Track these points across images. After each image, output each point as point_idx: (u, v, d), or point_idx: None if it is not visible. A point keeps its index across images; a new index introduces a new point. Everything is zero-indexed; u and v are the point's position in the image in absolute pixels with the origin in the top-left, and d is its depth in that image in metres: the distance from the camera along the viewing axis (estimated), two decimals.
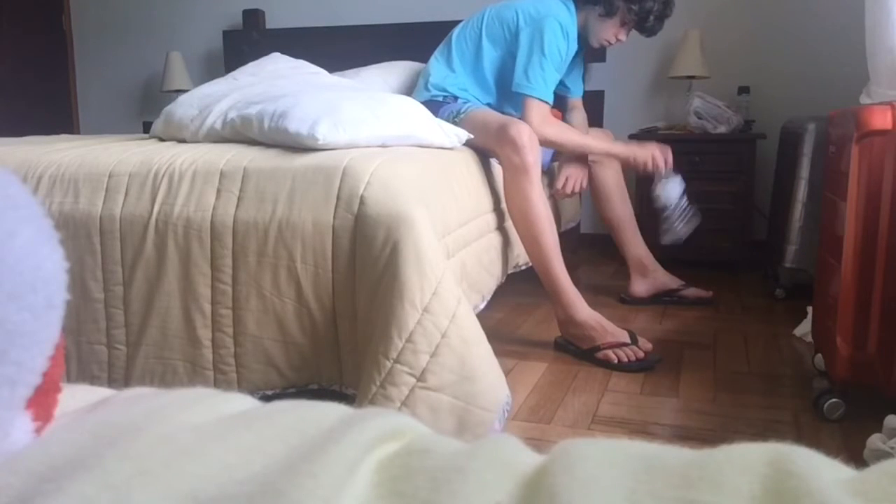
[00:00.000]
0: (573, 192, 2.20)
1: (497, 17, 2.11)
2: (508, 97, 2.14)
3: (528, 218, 1.82)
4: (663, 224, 2.19)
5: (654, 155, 2.13)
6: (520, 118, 1.96)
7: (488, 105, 2.12)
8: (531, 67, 1.99)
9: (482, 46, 2.12)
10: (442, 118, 1.92)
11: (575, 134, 2.10)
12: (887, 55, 1.74)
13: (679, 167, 2.81)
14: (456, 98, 2.11)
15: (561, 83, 2.30)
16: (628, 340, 1.80)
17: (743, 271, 2.84)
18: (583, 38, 2.16)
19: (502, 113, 2.06)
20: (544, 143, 2.00)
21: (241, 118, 1.61)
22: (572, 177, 2.18)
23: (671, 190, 2.15)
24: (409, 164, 1.42)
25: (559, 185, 2.18)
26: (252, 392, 1.36)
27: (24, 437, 0.40)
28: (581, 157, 2.21)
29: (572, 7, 2.08)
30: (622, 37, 2.15)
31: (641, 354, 1.78)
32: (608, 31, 2.12)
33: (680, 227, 2.16)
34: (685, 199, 2.18)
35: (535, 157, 1.81)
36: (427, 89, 2.15)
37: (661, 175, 2.15)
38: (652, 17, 2.09)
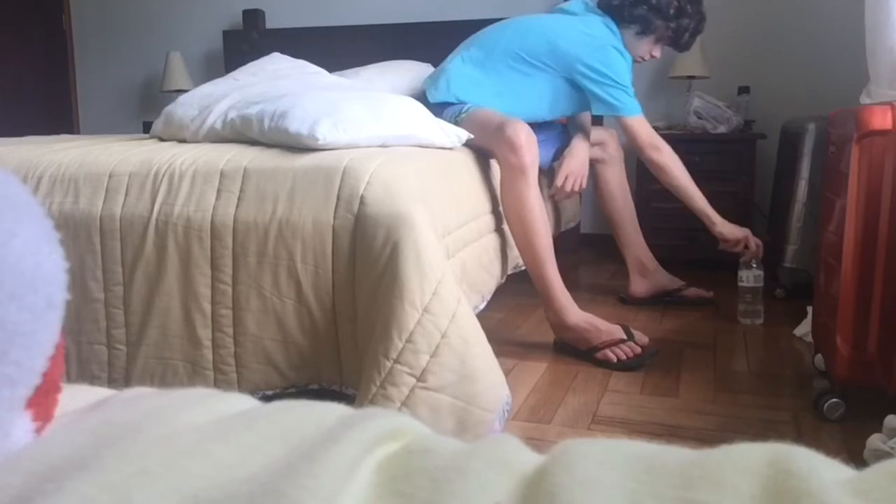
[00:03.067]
0: (572, 192, 2.16)
1: (546, 45, 2.03)
2: (552, 115, 2.17)
3: (523, 219, 1.82)
4: (744, 306, 2.18)
5: (747, 241, 2.13)
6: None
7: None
8: (616, 92, 2.01)
9: (530, 70, 2.05)
10: (445, 118, 1.92)
11: (684, 172, 2.10)
12: (887, 55, 1.73)
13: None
14: None
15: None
16: (623, 336, 1.80)
17: None
18: None
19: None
20: (656, 166, 2.08)
21: (242, 118, 1.61)
22: (572, 175, 2.13)
23: (757, 278, 2.14)
24: (409, 164, 1.42)
25: (559, 182, 2.13)
26: (252, 392, 1.36)
27: (24, 437, 0.40)
28: (580, 154, 2.19)
29: (615, 27, 2.08)
30: (656, 53, 2.17)
31: (639, 350, 1.78)
32: (643, 48, 2.14)
33: (752, 310, 2.17)
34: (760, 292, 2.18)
35: (532, 158, 1.80)
36: (448, 91, 2.07)
37: (747, 261, 2.14)
38: (687, 35, 2.12)
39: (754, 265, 2.14)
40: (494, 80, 2.08)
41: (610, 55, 2.00)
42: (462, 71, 2.10)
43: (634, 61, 2.16)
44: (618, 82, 2.00)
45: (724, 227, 2.13)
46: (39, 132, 2.68)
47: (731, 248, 2.15)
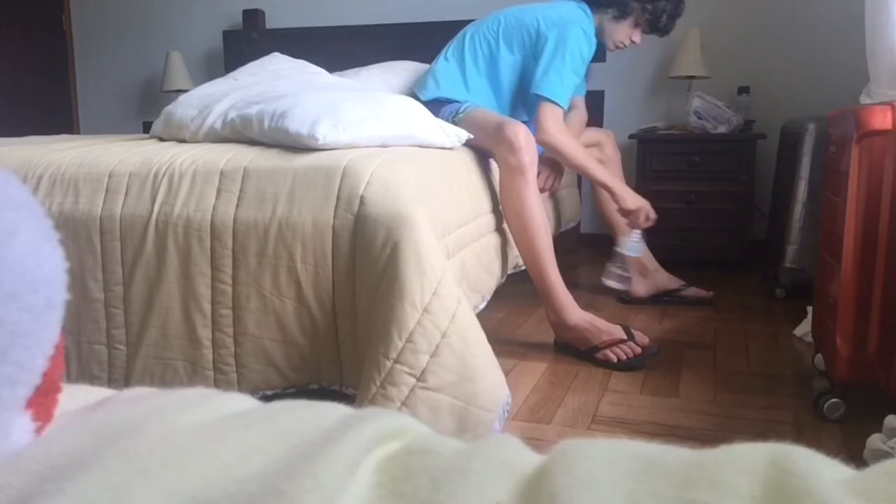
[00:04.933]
0: (545, 188, 2.18)
1: (516, 22, 2.09)
2: (524, 103, 2.14)
3: (523, 219, 1.82)
4: (611, 267, 2.20)
5: (645, 212, 2.09)
6: (528, 122, 1.97)
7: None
8: (551, 71, 1.98)
9: (499, 50, 2.10)
10: (442, 118, 1.92)
11: (581, 151, 2.07)
12: (887, 55, 1.74)
13: (679, 167, 2.83)
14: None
15: None
16: (624, 336, 1.80)
17: (743, 271, 2.84)
18: (597, 41, 2.17)
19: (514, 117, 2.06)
20: (549, 147, 2.00)
21: (241, 118, 1.61)
22: (544, 172, 2.16)
23: (634, 249, 2.16)
24: (409, 164, 1.42)
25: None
26: (252, 392, 1.36)
27: (24, 437, 0.40)
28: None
29: (589, 11, 2.09)
30: (636, 38, 2.16)
31: (639, 350, 1.78)
32: (622, 33, 2.13)
33: (619, 282, 2.20)
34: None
35: (531, 158, 1.81)
36: (437, 88, 2.13)
37: (634, 231, 2.15)
38: (665, 17, 2.11)
39: (635, 237, 2.14)
40: (472, 68, 2.13)
41: (571, 32, 1.99)
42: (446, 67, 2.15)
43: (616, 47, 2.18)
44: (565, 60, 1.98)
45: (625, 193, 2.09)
46: (39, 132, 2.68)
47: (629, 217, 2.11)
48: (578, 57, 2.00)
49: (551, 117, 1.99)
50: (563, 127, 2.02)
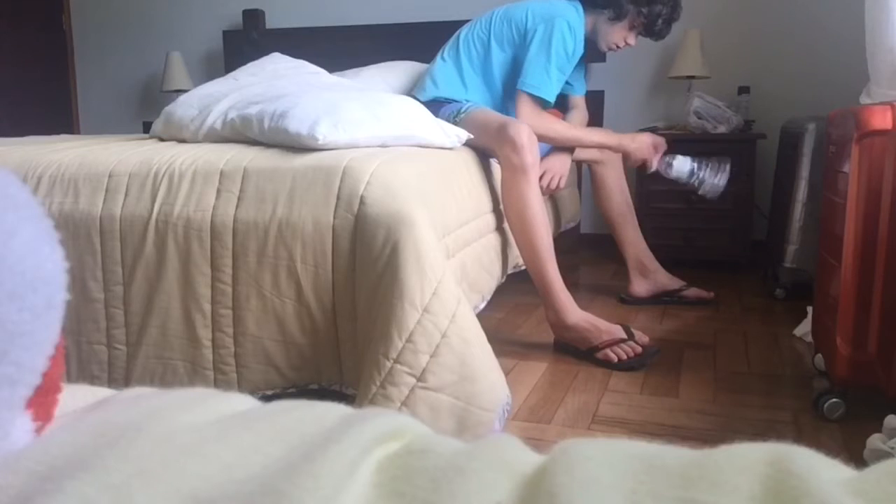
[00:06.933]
0: (549, 189, 2.17)
1: (505, 19, 2.11)
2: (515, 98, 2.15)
3: (524, 219, 1.82)
4: (696, 187, 2.14)
5: (647, 149, 2.10)
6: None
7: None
8: (535, 64, 2.00)
9: (491, 48, 2.11)
10: (443, 118, 1.92)
11: (563, 126, 2.09)
12: (887, 55, 1.73)
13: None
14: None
15: (565, 82, 2.30)
16: (624, 335, 1.80)
17: (743, 271, 2.84)
18: (589, 40, 2.16)
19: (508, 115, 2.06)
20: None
21: (241, 118, 1.61)
22: (550, 171, 2.15)
23: (680, 167, 2.11)
24: (409, 164, 1.42)
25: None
26: (252, 392, 1.36)
27: (24, 437, 0.40)
28: (563, 154, 2.20)
29: (581, 9, 2.09)
30: (631, 41, 2.16)
31: (639, 350, 1.78)
32: (617, 35, 2.13)
33: (710, 184, 2.10)
34: (700, 163, 2.11)
35: (534, 158, 1.81)
36: (435, 88, 2.14)
37: (658, 162, 2.11)
38: (660, 21, 2.11)
39: (669, 159, 2.09)
40: (467, 67, 2.14)
41: (556, 27, 2.00)
42: (443, 67, 2.17)
43: (609, 49, 2.18)
44: (550, 56, 1.98)
45: (627, 146, 2.08)
46: (39, 132, 2.68)
47: (642, 167, 2.11)
48: (563, 53, 2.01)
49: (525, 107, 2.00)
50: (538, 112, 2.03)
